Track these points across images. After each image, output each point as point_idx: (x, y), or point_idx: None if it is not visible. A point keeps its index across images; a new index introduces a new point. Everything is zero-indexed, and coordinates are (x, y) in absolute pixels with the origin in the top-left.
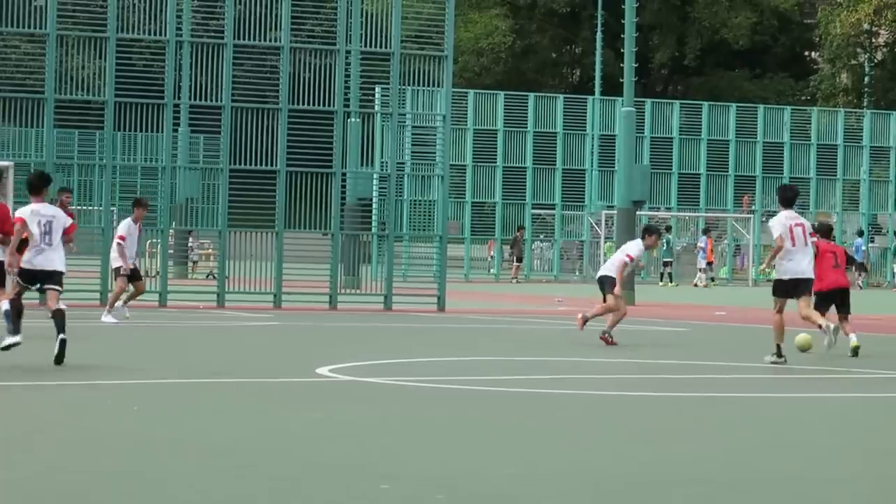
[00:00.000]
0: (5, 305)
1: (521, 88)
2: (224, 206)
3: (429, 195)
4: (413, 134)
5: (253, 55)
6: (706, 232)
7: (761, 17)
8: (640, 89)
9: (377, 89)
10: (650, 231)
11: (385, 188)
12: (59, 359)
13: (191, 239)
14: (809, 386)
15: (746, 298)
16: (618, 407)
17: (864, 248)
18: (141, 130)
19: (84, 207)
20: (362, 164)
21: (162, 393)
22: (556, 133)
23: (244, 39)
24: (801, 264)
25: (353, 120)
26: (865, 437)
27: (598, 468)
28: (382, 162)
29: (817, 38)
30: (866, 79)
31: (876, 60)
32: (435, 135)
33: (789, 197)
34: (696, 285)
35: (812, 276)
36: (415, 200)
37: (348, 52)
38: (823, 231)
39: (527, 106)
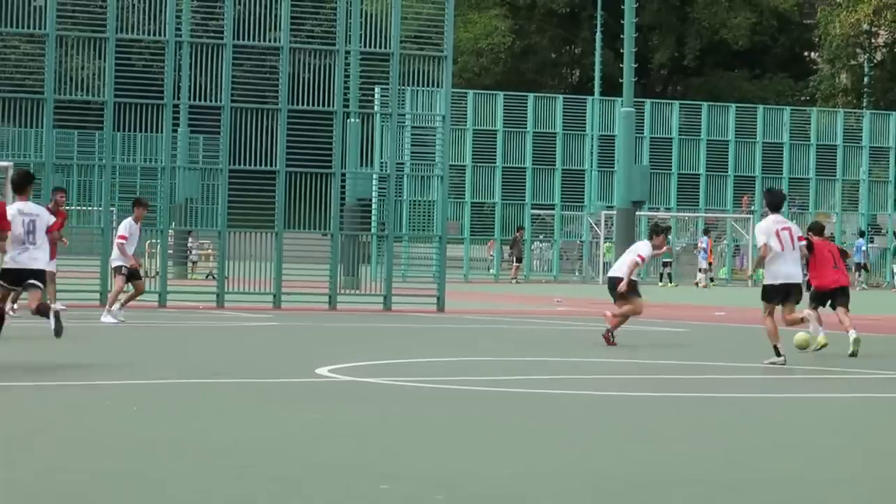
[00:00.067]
0: None
1: (521, 89)
2: (223, 207)
3: (428, 195)
4: (412, 134)
5: (252, 55)
6: (707, 232)
7: (761, 17)
8: (639, 90)
9: (377, 90)
10: (658, 231)
11: (384, 188)
12: (58, 331)
13: (190, 239)
14: (809, 386)
15: (746, 299)
16: (618, 407)
17: (864, 248)
18: (140, 131)
19: (83, 208)
20: (362, 165)
21: (162, 393)
22: (555, 133)
23: (244, 40)
24: (791, 268)
25: (352, 120)
26: (865, 437)
27: (597, 468)
28: (382, 162)
29: (817, 39)
30: (866, 79)
31: (875, 61)
32: (434, 135)
33: (776, 202)
34: (697, 285)
35: (800, 280)
36: (414, 201)
37: (348, 52)
38: (817, 230)
39: (526, 106)
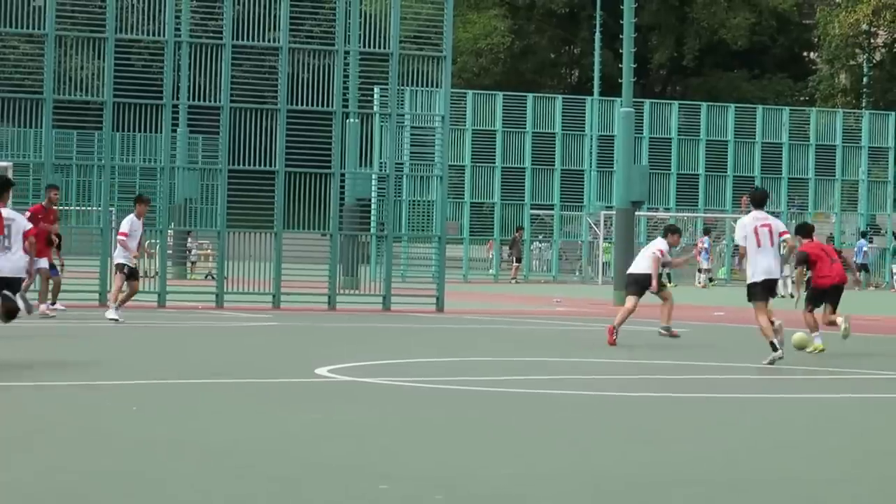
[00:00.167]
0: None
1: (520, 89)
2: (223, 207)
3: (427, 195)
4: (412, 134)
5: (252, 56)
6: (707, 232)
7: (760, 17)
8: (638, 90)
9: (376, 90)
10: (673, 230)
11: (384, 188)
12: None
13: (189, 239)
14: (809, 386)
15: (745, 299)
16: (617, 407)
17: (865, 248)
18: (140, 131)
19: (83, 208)
20: (361, 165)
21: (161, 393)
22: (554, 133)
23: (243, 40)
24: (768, 264)
25: (351, 120)
26: (865, 437)
27: (597, 468)
28: (381, 162)
29: (816, 39)
30: (865, 79)
31: (874, 61)
32: (434, 135)
33: (759, 198)
34: (705, 286)
35: (779, 275)
36: (413, 201)
37: (347, 52)
38: (805, 232)
39: (525, 106)
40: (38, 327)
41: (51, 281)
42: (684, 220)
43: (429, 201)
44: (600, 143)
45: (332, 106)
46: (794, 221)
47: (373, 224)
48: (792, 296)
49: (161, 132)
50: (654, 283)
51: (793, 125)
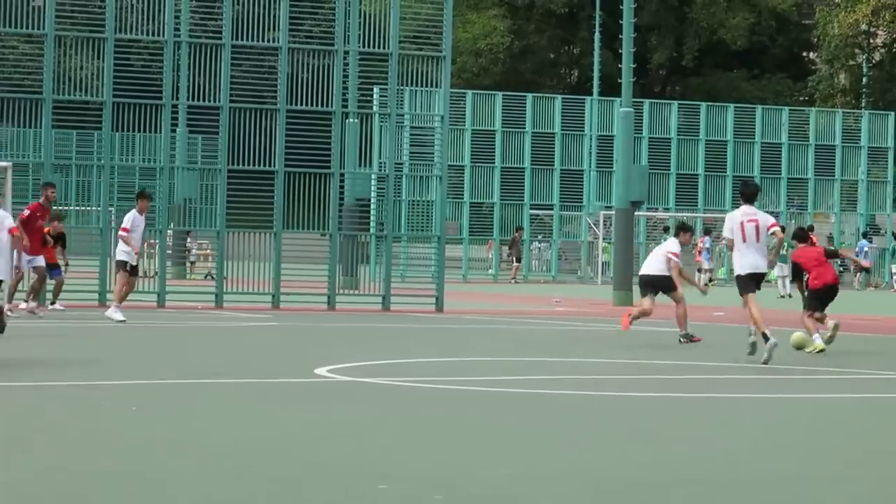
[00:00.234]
0: None
1: (520, 89)
2: (222, 207)
3: (427, 195)
4: (411, 134)
5: (251, 56)
6: (708, 232)
7: (759, 17)
8: (638, 90)
9: (375, 90)
10: (685, 228)
11: (383, 189)
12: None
13: (189, 239)
14: (808, 386)
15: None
16: (617, 407)
17: (866, 248)
18: (139, 131)
19: (82, 208)
20: (360, 165)
21: (161, 393)
22: (554, 133)
23: (242, 40)
24: (754, 259)
25: (351, 120)
26: (864, 437)
27: (597, 468)
28: (380, 162)
29: (815, 39)
30: (864, 79)
31: (874, 61)
32: (433, 135)
33: (748, 193)
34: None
35: (766, 270)
36: (413, 201)
37: (346, 52)
38: (800, 238)
39: (525, 106)
40: (38, 327)
41: (53, 280)
42: (683, 220)
43: (428, 201)
44: (600, 143)
45: (332, 106)
46: (793, 221)
47: (372, 224)
48: (790, 296)
49: (160, 132)
50: (678, 286)
51: (792, 125)
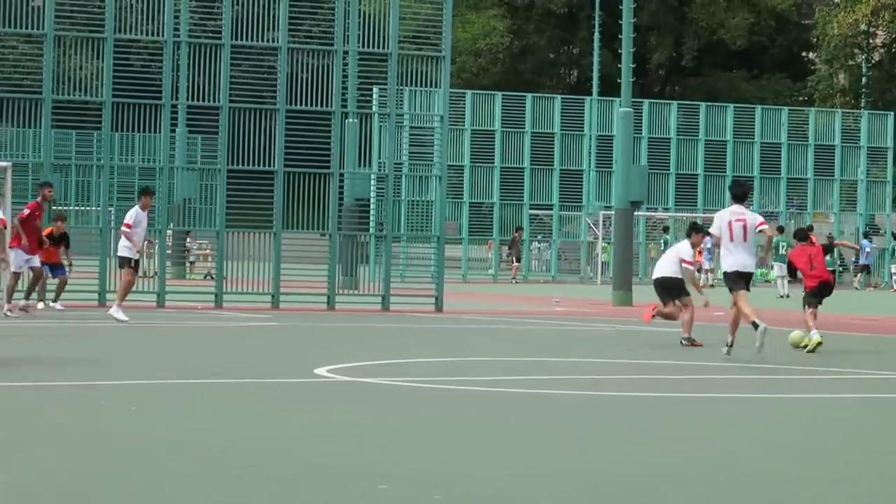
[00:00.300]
0: None
1: (519, 89)
2: (222, 207)
3: (426, 195)
4: (411, 134)
5: (250, 56)
6: (709, 233)
7: (759, 17)
8: (637, 90)
9: (375, 90)
10: (697, 229)
11: (383, 189)
12: None
13: (188, 239)
14: (808, 386)
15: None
16: (617, 407)
17: (868, 248)
18: (139, 131)
19: (82, 208)
20: (360, 165)
21: (160, 393)
22: (553, 133)
23: (242, 40)
24: (741, 258)
25: (350, 120)
26: (864, 437)
27: (597, 468)
28: (380, 162)
29: (815, 39)
30: (864, 79)
31: (873, 61)
32: (433, 135)
33: (739, 192)
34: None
35: (753, 270)
36: (412, 201)
37: (346, 52)
38: (799, 237)
39: (524, 106)
40: (38, 327)
41: (56, 279)
42: (683, 220)
43: (428, 201)
44: (599, 143)
45: (331, 106)
46: (793, 221)
47: (372, 224)
48: (788, 296)
49: (160, 132)
50: (697, 286)
51: (791, 125)
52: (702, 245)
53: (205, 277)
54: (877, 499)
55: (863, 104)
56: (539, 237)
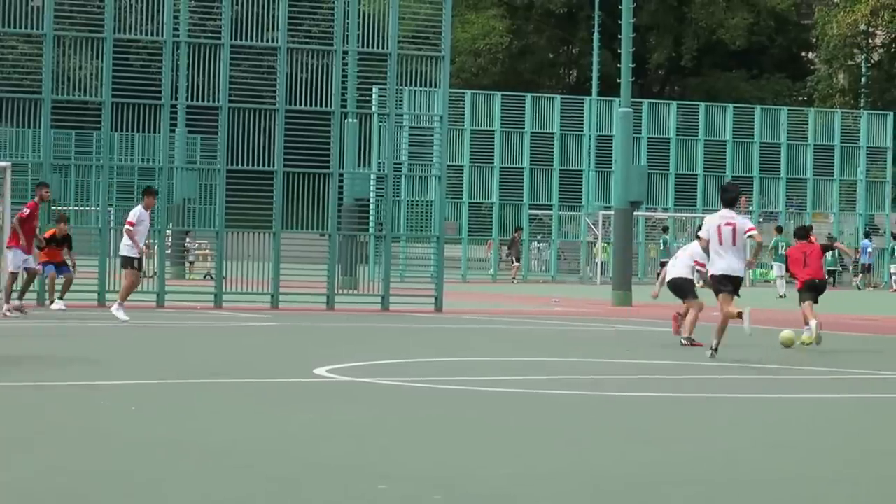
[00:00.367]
0: None
1: (518, 89)
2: (221, 207)
3: (426, 195)
4: (410, 134)
5: (250, 56)
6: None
7: (758, 17)
8: (636, 90)
9: (374, 90)
10: None
11: (382, 189)
12: None
13: (188, 239)
14: (808, 386)
15: (742, 299)
16: (617, 407)
17: (870, 249)
18: (138, 131)
19: (81, 208)
20: (359, 165)
21: (160, 393)
22: (553, 133)
23: (241, 40)
24: (730, 262)
25: (350, 120)
26: (863, 437)
27: (596, 468)
28: (379, 162)
29: (814, 39)
30: (863, 79)
31: (873, 61)
32: (432, 135)
33: (728, 197)
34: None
35: (742, 274)
36: (412, 201)
37: (345, 52)
38: (799, 235)
39: (524, 106)
40: (38, 327)
41: (62, 278)
42: (682, 220)
43: (427, 201)
44: (599, 143)
45: (331, 106)
46: (792, 221)
47: (371, 224)
48: (786, 296)
49: (159, 132)
50: (712, 282)
51: (791, 125)
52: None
53: (204, 277)
54: (876, 499)
55: (862, 104)
56: (538, 237)
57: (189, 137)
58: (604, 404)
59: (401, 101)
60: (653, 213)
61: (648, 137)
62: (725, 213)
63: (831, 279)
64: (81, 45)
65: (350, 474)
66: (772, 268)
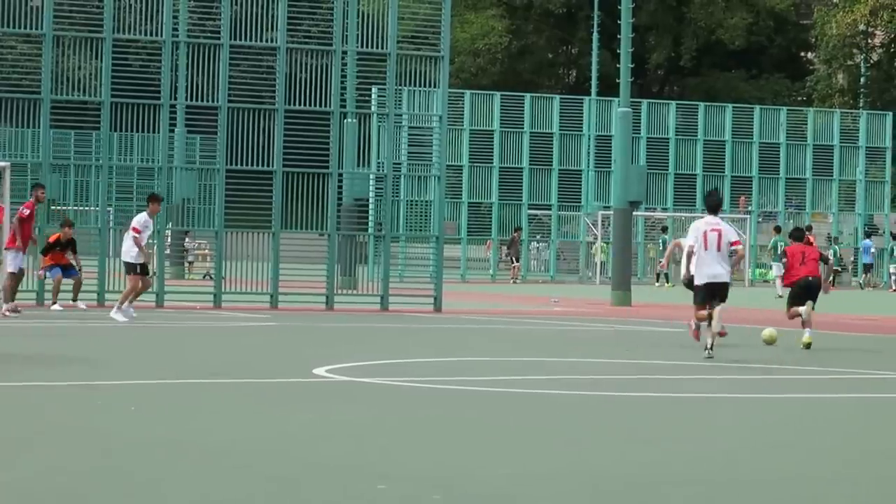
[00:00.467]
0: None
1: (518, 89)
2: (220, 207)
3: (425, 195)
4: (409, 134)
5: (249, 56)
6: None
7: (757, 17)
8: (636, 90)
9: (373, 90)
10: None
11: (381, 188)
12: None
13: (187, 239)
14: (807, 386)
15: (742, 299)
16: (616, 407)
17: (872, 249)
18: (137, 131)
19: (80, 208)
20: (359, 165)
21: (159, 393)
22: (552, 133)
23: (240, 40)
24: (714, 269)
25: (349, 120)
26: (863, 437)
27: (596, 468)
28: (379, 162)
29: (813, 39)
30: (862, 79)
31: (872, 61)
32: (431, 135)
33: (712, 204)
34: None
35: (727, 279)
36: (411, 201)
37: (345, 52)
38: (795, 236)
39: (523, 106)
40: (37, 327)
41: (71, 280)
42: (682, 220)
43: (426, 201)
44: (598, 143)
45: (330, 106)
46: (791, 221)
47: (370, 224)
48: (782, 296)
49: (159, 132)
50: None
51: (790, 125)
52: None
53: (203, 277)
54: (875, 499)
55: (861, 104)
56: (538, 237)
57: (188, 137)
58: (603, 404)
59: (400, 101)
60: (652, 213)
61: (648, 137)
62: (711, 220)
63: (831, 279)
64: (81, 45)
65: (349, 474)
66: (771, 268)
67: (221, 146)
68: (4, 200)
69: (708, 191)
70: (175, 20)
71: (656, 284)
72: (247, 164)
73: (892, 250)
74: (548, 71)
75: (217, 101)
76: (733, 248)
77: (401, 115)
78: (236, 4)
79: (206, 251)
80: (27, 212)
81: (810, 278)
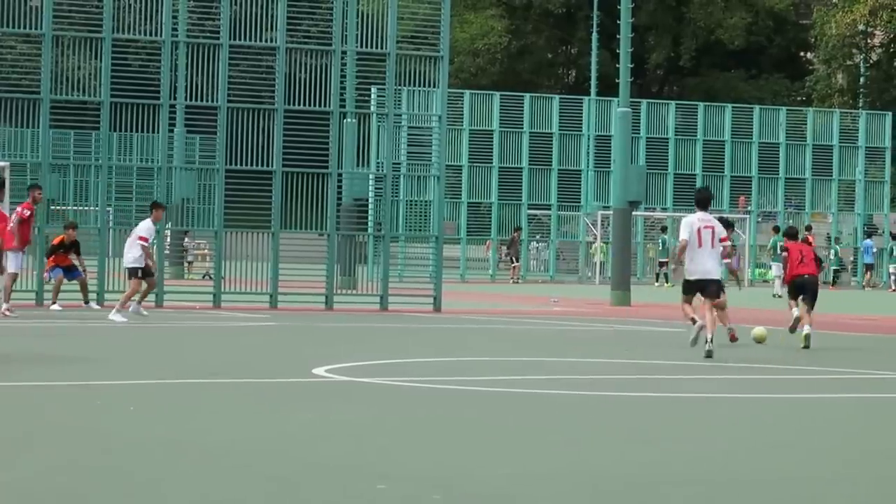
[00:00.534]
0: None
1: (517, 89)
2: (220, 207)
3: (425, 195)
4: (409, 134)
5: (249, 56)
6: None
7: (756, 17)
8: (635, 90)
9: (373, 90)
10: (725, 224)
11: (381, 188)
12: None
13: (187, 239)
14: (807, 386)
15: (741, 299)
16: (616, 407)
17: (874, 249)
18: (137, 131)
19: (80, 208)
20: (358, 165)
21: (159, 393)
22: (551, 133)
23: (240, 40)
24: (705, 265)
25: (348, 120)
26: (862, 437)
27: (595, 468)
28: (378, 162)
29: (813, 39)
30: (862, 79)
31: (871, 61)
32: (431, 135)
33: (702, 199)
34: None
35: (718, 276)
36: (411, 201)
37: (344, 52)
38: (790, 235)
39: (523, 106)
40: (37, 327)
41: (76, 281)
42: (681, 220)
43: (426, 201)
44: (597, 142)
45: (330, 106)
46: (791, 221)
47: (370, 224)
48: (780, 295)
49: (158, 132)
50: (734, 274)
51: (790, 125)
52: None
53: (203, 277)
54: (875, 499)
55: (861, 104)
56: (537, 237)
57: (188, 137)
58: (602, 404)
59: (399, 101)
60: (651, 213)
61: (647, 137)
62: (703, 216)
63: (831, 279)
64: (80, 45)
65: (349, 474)
66: (770, 267)
67: (221, 146)
68: (4, 201)
69: (699, 187)
70: (174, 20)
71: (656, 284)
72: (246, 164)
73: (892, 250)
74: (547, 71)
75: (216, 101)
76: (723, 244)
77: (400, 115)
78: (236, 4)
79: (206, 251)
80: (27, 213)
81: (806, 276)
